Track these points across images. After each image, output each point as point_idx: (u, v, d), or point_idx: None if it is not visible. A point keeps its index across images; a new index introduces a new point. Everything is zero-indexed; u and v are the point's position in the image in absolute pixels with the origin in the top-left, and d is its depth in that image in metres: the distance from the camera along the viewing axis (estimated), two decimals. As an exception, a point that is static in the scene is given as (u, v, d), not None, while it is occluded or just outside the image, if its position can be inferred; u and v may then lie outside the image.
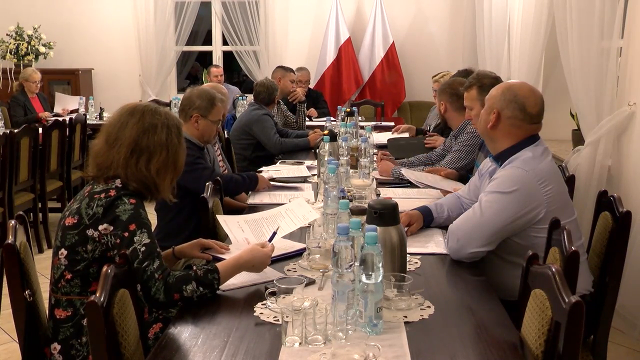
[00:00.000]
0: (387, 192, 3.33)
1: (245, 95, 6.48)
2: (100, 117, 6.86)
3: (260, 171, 4.01)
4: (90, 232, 2.01)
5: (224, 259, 2.15)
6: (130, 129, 2.10)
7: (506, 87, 2.49)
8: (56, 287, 2.09)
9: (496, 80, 3.20)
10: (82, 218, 2.02)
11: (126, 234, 1.98)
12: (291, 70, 6.17)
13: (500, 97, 2.45)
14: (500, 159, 2.47)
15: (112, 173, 2.08)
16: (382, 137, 5.22)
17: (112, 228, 2.00)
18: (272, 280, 1.89)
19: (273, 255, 2.21)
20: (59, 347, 2.05)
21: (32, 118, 6.53)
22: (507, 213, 2.31)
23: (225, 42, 8.39)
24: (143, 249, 1.98)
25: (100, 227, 2.00)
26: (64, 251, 2.05)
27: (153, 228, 3.25)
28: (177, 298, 1.96)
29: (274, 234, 2.30)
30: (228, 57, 8.41)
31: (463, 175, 3.57)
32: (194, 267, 2.05)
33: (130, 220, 2.00)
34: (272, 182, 3.48)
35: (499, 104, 2.44)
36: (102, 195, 2.03)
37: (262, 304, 1.90)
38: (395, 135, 5.24)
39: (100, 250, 2.02)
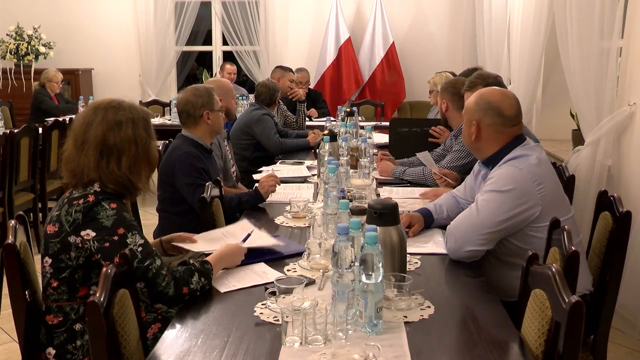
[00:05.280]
0: (387, 192, 3.34)
1: (244, 95, 6.47)
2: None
3: (260, 171, 4.02)
4: (72, 239, 1.99)
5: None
6: (95, 128, 2.03)
7: (478, 96, 2.51)
8: (45, 294, 2.08)
9: (497, 80, 3.21)
10: (62, 225, 2.00)
11: (115, 237, 1.97)
12: (290, 70, 6.17)
13: (475, 108, 2.48)
14: (490, 163, 2.48)
15: (87, 178, 2.03)
16: (382, 138, 5.22)
17: (95, 234, 1.97)
18: (272, 281, 1.90)
19: (254, 246, 2.32)
20: (53, 351, 2.05)
21: (73, 105, 6.87)
22: (503, 211, 2.31)
23: (225, 42, 8.40)
24: (140, 249, 1.98)
25: (82, 233, 1.98)
26: (48, 259, 2.03)
27: (154, 228, 3.31)
28: (186, 292, 1.98)
29: (248, 235, 2.37)
30: (228, 57, 8.41)
31: (464, 177, 3.57)
32: (191, 261, 2.09)
33: (117, 225, 1.98)
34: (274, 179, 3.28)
35: (476, 115, 2.47)
36: (81, 201, 2.00)
37: (262, 304, 1.90)
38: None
39: (84, 256, 2.01)
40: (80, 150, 2.04)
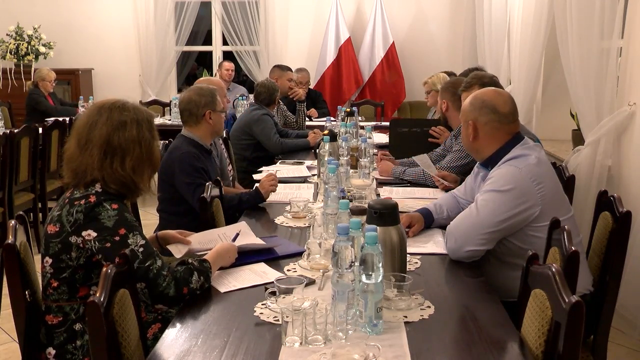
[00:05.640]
0: (387, 192, 3.33)
1: (244, 95, 6.47)
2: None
3: (260, 171, 4.02)
4: (73, 239, 1.99)
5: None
6: (100, 128, 2.04)
7: (472, 96, 2.55)
8: (45, 294, 2.08)
9: (493, 80, 3.21)
10: (63, 225, 2.00)
11: (117, 238, 1.98)
12: (288, 68, 6.15)
13: (470, 108, 2.51)
14: (490, 164, 2.49)
15: (89, 178, 2.03)
16: (382, 138, 5.22)
17: (96, 234, 1.97)
18: (272, 281, 1.90)
19: (244, 243, 2.34)
20: (53, 351, 2.05)
21: (72, 104, 6.92)
22: (502, 211, 2.32)
23: (225, 42, 8.40)
24: (141, 249, 1.98)
25: (84, 234, 1.98)
26: (48, 259, 2.03)
27: (154, 228, 3.31)
28: (186, 292, 1.99)
29: (237, 235, 2.39)
30: (228, 57, 8.41)
31: (464, 178, 3.57)
32: (190, 260, 2.09)
33: (118, 225, 1.99)
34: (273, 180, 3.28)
35: (472, 115, 2.50)
36: (82, 202, 2.00)
37: (262, 304, 1.90)
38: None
39: (85, 256, 2.01)
40: (84, 149, 2.04)
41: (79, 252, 2.00)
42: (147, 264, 1.97)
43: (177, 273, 2.01)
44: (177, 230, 2.52)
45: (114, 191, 2.05)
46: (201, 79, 4.40)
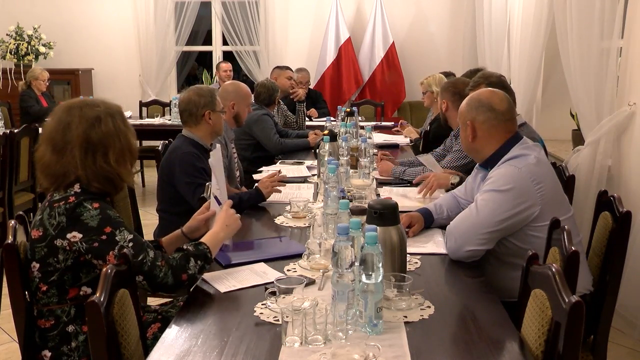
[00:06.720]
0: (387, 192, 3.33)
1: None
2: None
3: (260, 171, 4.02)
4: (58, 242, 1.97)
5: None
6: (75, 128, 2.01)
7: (469, 97, 2.57)
8: (35, 299, 2.06)
9: (500, 79, 3.21)
10: (46, 229, 1.98)
11: (104, 237, 1.96)
12: (287, 67, 6.15)
13: (467, 108, 2.53)
14: (489, 164, 2.49)
15: (72, 178, 2.01)
16: (382, 137, 5.22)
17: (81, 235, 1.95)
18: (272, 281, 1.90)
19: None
20: (49, 354, 2.04)
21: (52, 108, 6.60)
22: (502, 211, 2.32)
23: (225, 42, 8.40)
24: (130, 244, 1.98)
25: (69, 236, 1.96)
26: (35, 264, 2.02)
27: (154, 228, 3.31)
28: (185, 278, 2.02)
29: (216, 198, 2.40)
30: (228, 57, 8.42)
31: (463, 177, 3.57)
32: (185, 246, 2.11)
33: (103, 224, 1.97)
34: (275, 182, 3.30)
35: (469, 115, 2.51)
36: (62, 203, 1.98)
37: (262, 304, 1.90)
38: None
39: (73, 257, 1.99)
40: (62, 153, 2.01)
41: (66, 254, 1.98)
42: (139, 258, 1.97)
43: (173, 261, 2.03)
44: (196, 214, 2.47)
45: (95, 190, 2.03)
46: (229, 82, 4.41)
